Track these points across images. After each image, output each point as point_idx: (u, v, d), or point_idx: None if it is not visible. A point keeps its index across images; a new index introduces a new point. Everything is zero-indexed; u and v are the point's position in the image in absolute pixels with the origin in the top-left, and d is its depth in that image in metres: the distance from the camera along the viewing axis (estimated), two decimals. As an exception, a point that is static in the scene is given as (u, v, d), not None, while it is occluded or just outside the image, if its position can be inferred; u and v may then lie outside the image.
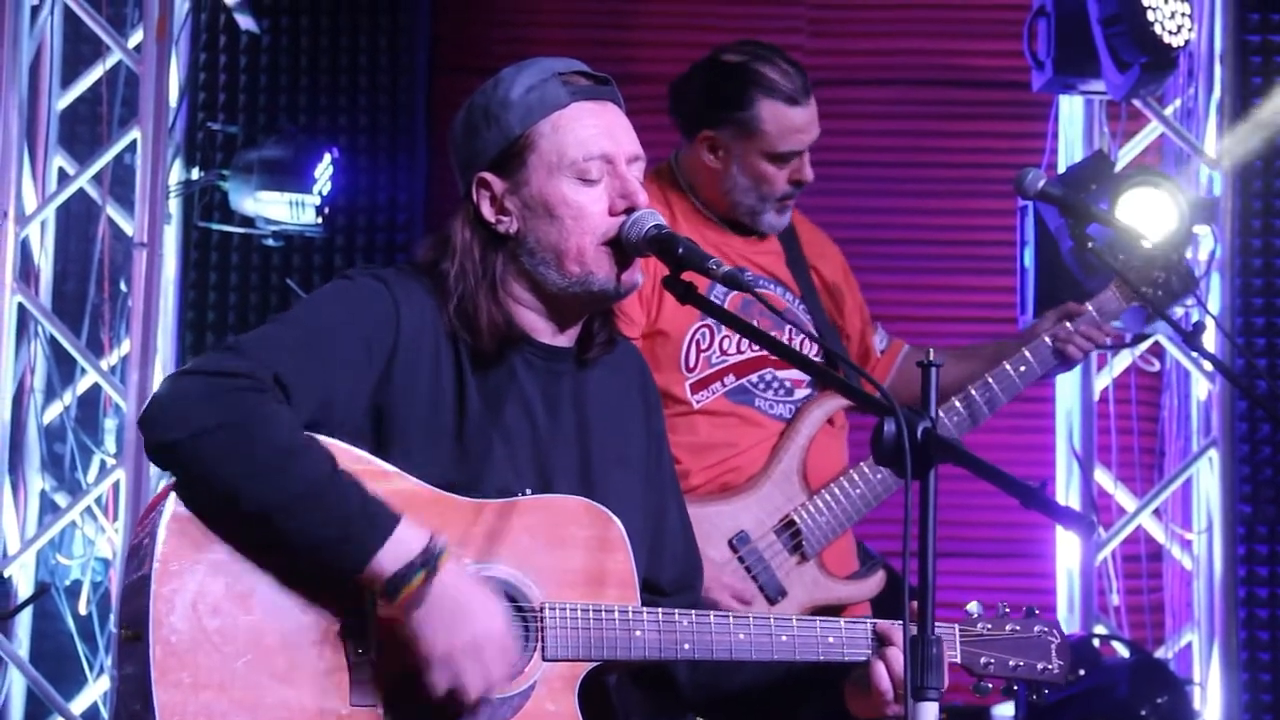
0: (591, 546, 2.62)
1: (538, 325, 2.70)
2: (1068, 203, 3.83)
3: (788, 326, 3.77)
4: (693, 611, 2.66)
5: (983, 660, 2.78)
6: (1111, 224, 4.09)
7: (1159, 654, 5.67)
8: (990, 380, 3.86)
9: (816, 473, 3.77)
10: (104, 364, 5.69)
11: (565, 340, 2.74)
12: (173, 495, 2.46)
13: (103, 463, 5.76)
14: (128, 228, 5.68)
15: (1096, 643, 5.26)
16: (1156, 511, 5.77)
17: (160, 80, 5.55)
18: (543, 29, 6.47)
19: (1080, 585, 5.60)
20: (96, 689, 5.65)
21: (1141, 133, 5.83)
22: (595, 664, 2.59)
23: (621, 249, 2.65)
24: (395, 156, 6.35)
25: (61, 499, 5.72)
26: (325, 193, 5.77)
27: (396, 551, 2.43)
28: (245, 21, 6.12)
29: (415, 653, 2.45)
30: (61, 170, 5.80)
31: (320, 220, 5.79)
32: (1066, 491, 5.70)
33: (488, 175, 2.67)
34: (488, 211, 2.67)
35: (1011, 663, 2.79)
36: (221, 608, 2.43)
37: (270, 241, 5.98)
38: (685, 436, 3.69)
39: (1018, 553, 6.16)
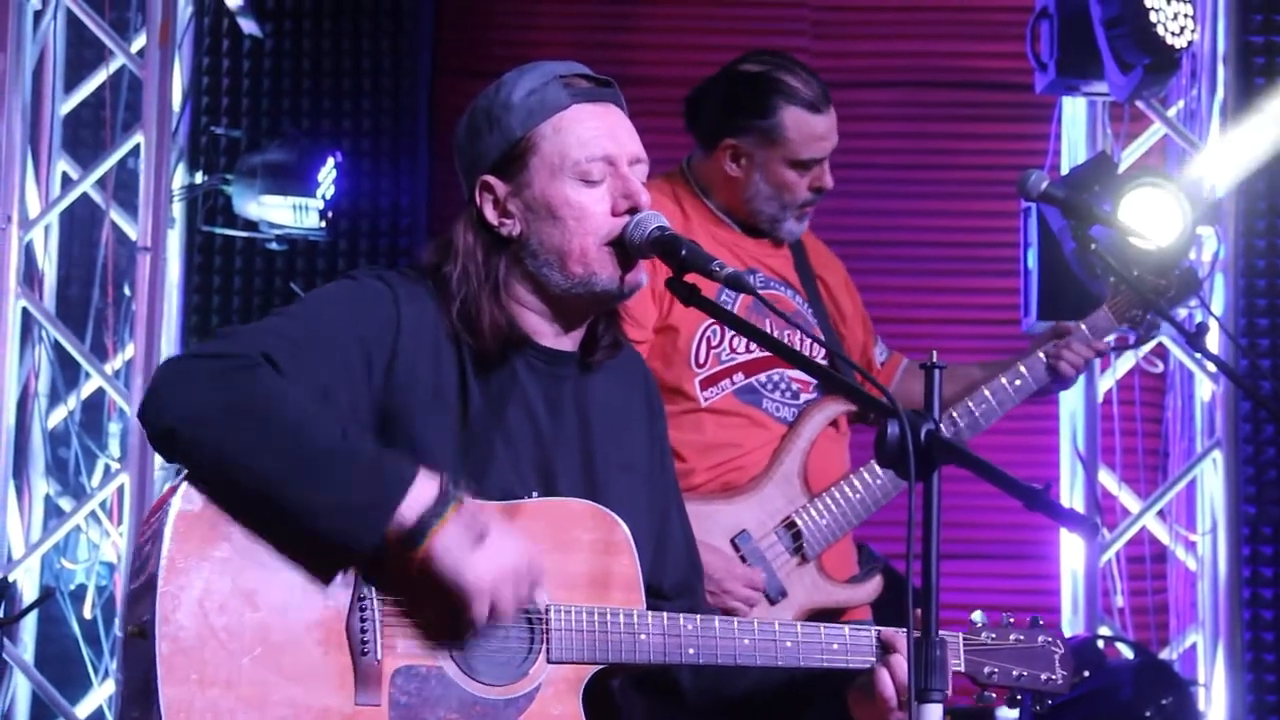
0: (597, 550, 2.63)
1: (541, 328, 2.71)
2: (1071, 204, 3.83)
3: (794, 330, 3.78)
4: (698, 616, 2.66)
5: (986, 670, 2.78)
6: (1114, 225, 4.09)
7: (1163, 655, 5.66)
8: (986, 392, 3.89)
9: (818, 476, 3.78)
10: (108, 368, 5.69)
11: (569, 344, 2.74)
12: (178, 495, 2.46)
13: (107, 467, 5.76)
14: (131, 232, 5.69)
15: (1101, 644, 5.26)
16: (1161, 513, 5.77)
17: (163, 84, 5.56)
18: (545, 32, 6.47)
19: (1084, 587, 5.60)
20: (101, 693, 5.66)
21: (1144, 134, 5.83)
22: (600, 667, 2.60)
23: (625, 250, 2.66)
24: (398, 160, 6.36)
25: (66, 503, 5.72)
26: (328, 196, 5.78)
27: (416, 501, 2.45)
28: (248, 25, 6.13)
29: (450, 595, 2.46)
30: (65, 175, 5.80)
31: (324, 224, 5.80)
32: (1070, 493, 5.70)
33: (490, 178, 2.68)
34: (490, 214, 2.68)
35: (1015, 672, 2.79)
36: (228, 605, 2.44)
37: (274, 245, 5.98)
38: (691, 434, 3.71)
39: (1022, 554, 6.16)
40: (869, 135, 6.35)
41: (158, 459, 5.36)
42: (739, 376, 3.78)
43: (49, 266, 5.75)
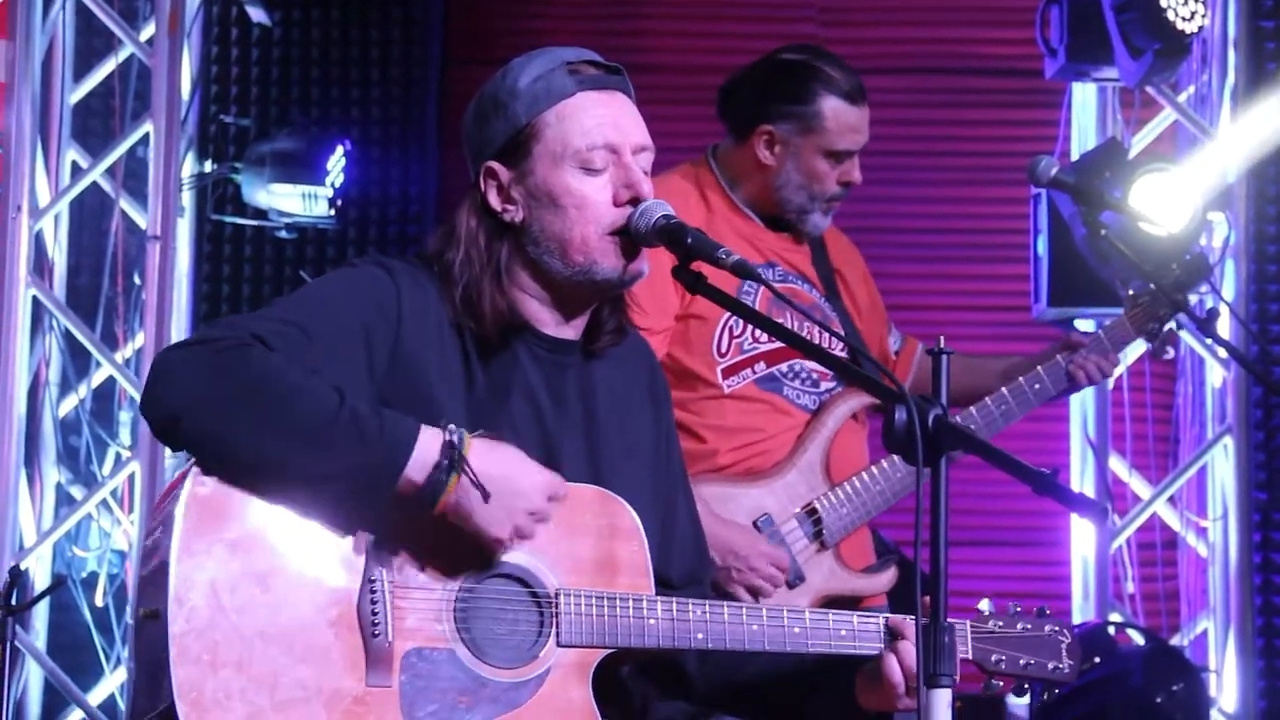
0: (605, 535, 2.64)
1: (542, 316, 2.71)
2: (1081, 190, 3.83)
3: (811, 324, 3.79)
4: (706, 602, 2.67)
5: (994, 657, 2.78)
6: (1125, 211, 4.09)
7: (1174, 641, 5.66)
8: (1007, 394, 3.92)
9: (839, 466, 3.82)
10: (118, 357, 5.71)
11: (571, 333, 2.74)
12: (189, 479, 2.47)
13: (118, 455, 5.78)
14: (141, 221, 5.70)
15: (1112, 630, 5.26)
16: (1171, 499, 5.76)
17: (172, 73, 5.56)
18: (555, 20, 6.47)
19: (1095, 573, 5.60)
20: (114, 680, 5.67)
21: (1155, 120, 5.81)
22: (609, 651, 2.60)
23: (629, 239, 2.66)
24: (407, 148, 6.36)
25: (77, 491, 5.74)
26: (338, 185, 5.78)
27: (422, 461, 2.46)
28: (257, 14, 6.13)
29: (478, 540, 2.51)
30: (75, 164, 5.81)
31: (333, 212, 5.81)
32: (1081, 479, 5.69)
33: (495, 164, 2.68)
34: (494, 200, 2.68)
35: (1023, 661, 2.79)
36: (240, 587, 2.45)
37: (283, 234, 5.99)
38: (714, 420, 3.76)
39: (1032, 541, 6.16)
40: (878, 122, 6.25)
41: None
42: (760, 366, 3.80)
43: (59, 255, 5.76)
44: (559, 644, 2.57)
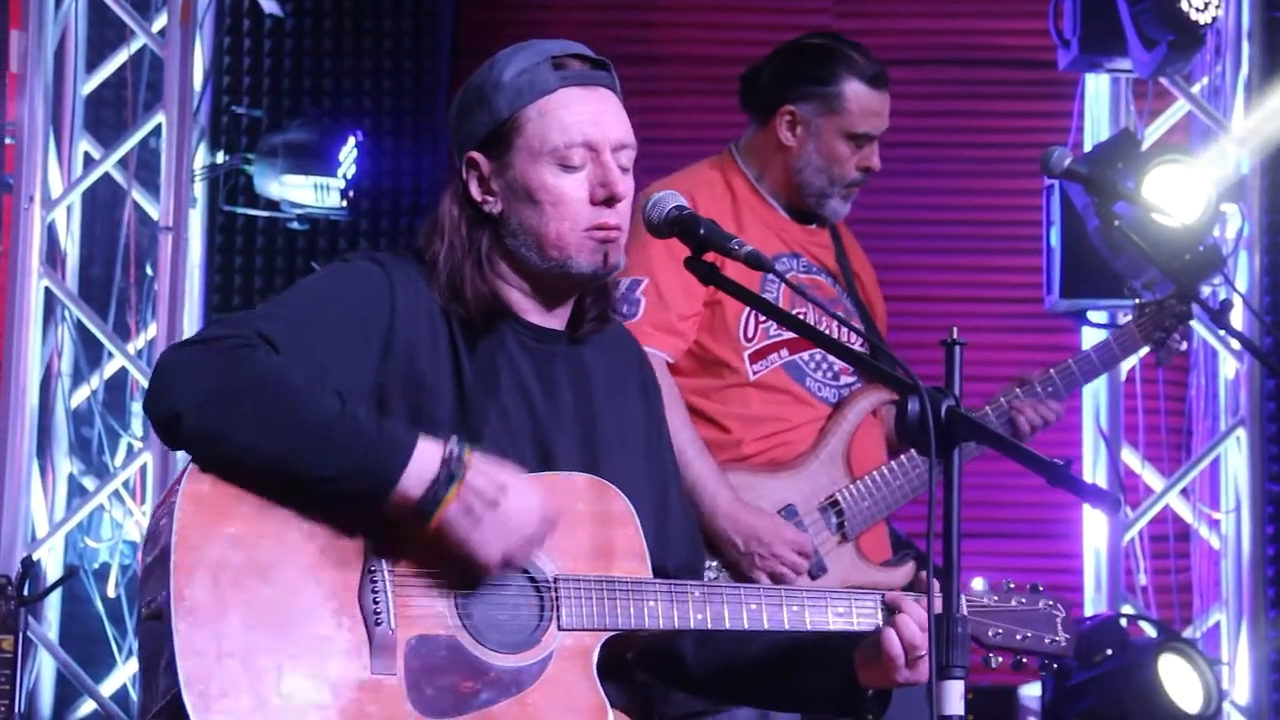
0: (599, 521, 2.65)
1: (525, 305, 2.73)
2: (1094, 181, 3.82)
3: (830, 318, 3.79)
4: (704, 584, 2.68)
5: (990, 631, 2.79)
6: (1138, 202, 4.07)
7: (1187, 634, 5.65)
8: (1053, 373, 4.01)
9: (859, 460, 3.85)
10: (131, 348, 5.71)
11: (555, 322, 2.76)
12: (189, 474, 2.49)
13: (130, 446, 5.78)
14: (153, 212, 5.70)
15: (1124, 622, 5.26)
16: (1184, 491, 5.75)
17: (184, 64, 5.56)
18: (564, 10, 6.46)
19: (1107, 565, 5.59)
20: (126, 671, 5.68)
21: (1168, 111, 5.79)
22: (610, 634, 2.61)
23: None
24: (419, 139, 6.36)
25: (89, 482, 5.75)
26: (349, 176, 5.78)
27: (420, 472, 2.47)
28: (269, 5, 6.13)
29: (469, 563, 2.50)
30: (87, 155, 5.81)
31: (345, 203, 5.80)
32: (1093, 471, 5.68)
33: (477, 155, 2.70)
34: (475, 191, 2.70)
35: (1019, 635, 2.80)
36: (242, 580, 2.46)
37: (295, 225, 5.99)
38: (737, 408, 3.79)
39: (1045, 533, 6.15)
40: (891, 113, 6.31)
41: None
42: (785, 352, 3.83)
43: (71, 246, 5.76)
44: (560, 628, 2.58)
